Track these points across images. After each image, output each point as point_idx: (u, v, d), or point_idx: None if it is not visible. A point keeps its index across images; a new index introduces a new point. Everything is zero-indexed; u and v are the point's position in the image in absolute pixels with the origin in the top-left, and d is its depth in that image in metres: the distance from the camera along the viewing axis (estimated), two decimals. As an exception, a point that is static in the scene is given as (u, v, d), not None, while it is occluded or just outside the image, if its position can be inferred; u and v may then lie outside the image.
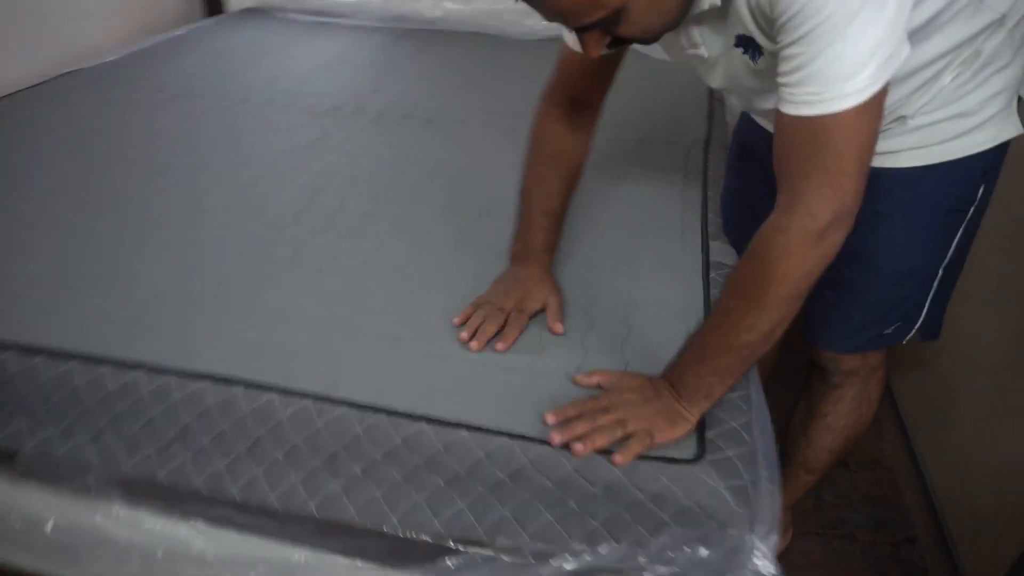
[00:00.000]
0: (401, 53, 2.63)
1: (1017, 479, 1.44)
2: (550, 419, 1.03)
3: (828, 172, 0.90)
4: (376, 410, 1.06)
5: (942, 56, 1.06)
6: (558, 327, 1.19)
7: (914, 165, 1.14)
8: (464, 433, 1.03)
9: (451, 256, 1.41)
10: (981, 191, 1.19)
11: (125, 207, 1.56)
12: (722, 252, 1.45)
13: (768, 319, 0.97)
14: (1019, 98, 1.17)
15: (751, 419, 1.09)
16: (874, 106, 0.88)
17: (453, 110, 2.09)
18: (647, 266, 1.40)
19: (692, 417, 1.03)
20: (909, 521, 1.77)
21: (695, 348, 1.04)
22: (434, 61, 2.55)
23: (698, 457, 1.01)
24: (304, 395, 1.08)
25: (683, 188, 1.68)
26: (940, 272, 1.24)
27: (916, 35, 0.99)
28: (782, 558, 1.01)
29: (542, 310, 1.23)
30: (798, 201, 0.93)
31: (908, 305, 1.28)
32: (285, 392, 1.08)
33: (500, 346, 1.15)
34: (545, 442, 1.00)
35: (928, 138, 1.12)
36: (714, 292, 1.33)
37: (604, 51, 0.97)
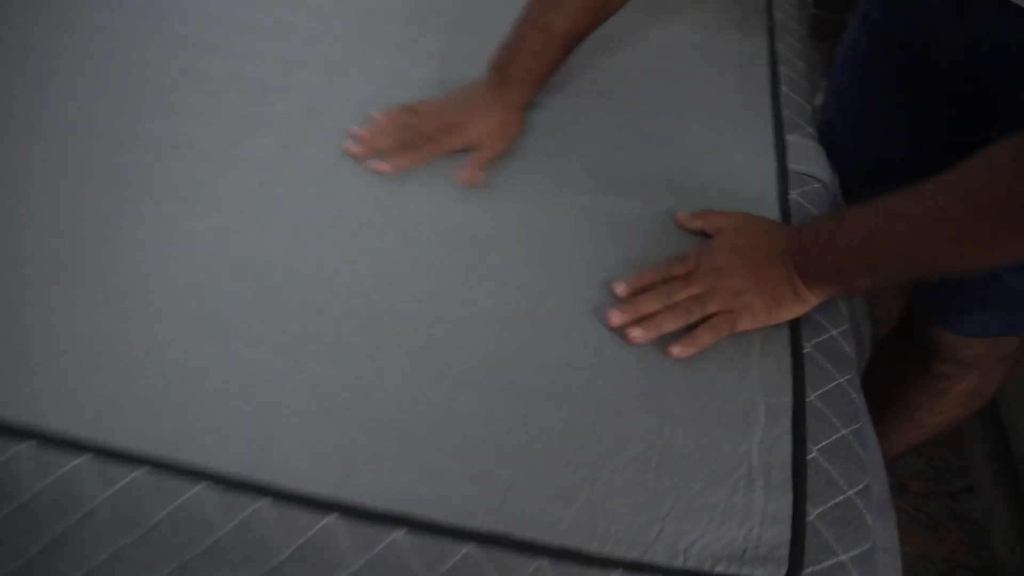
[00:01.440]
0: None
1: None
2: (620, 290, 0.76)
3: None
4: (320, 506, 0.62)
5: None
6: (465, 175, 0.87)
7: None
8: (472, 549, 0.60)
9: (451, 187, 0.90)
10: None
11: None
12: (805, 154, 0.96)
13: (999, 254, 0.63)
14: None
15: (869, 483, 0.68)
16: None
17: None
18: (691, 188, 0.91)
19: (811, 300, 0.75)
20: (969, 466, 1.43)
21: (858, 234, 0.69)
22: None
23: (795, 567, 0.61)
24: (196, 474, 0.63)
25: (741, 44, 1.13)
26: None
27: None
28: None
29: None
30: None
31: None
32: (160, 468, 0.63)
33: (383, 167, 0.86)
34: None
35: None
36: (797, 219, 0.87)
37: None
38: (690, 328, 0.73)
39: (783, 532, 0.63)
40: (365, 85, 0.99)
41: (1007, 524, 1.32)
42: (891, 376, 1.11)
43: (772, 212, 0.88)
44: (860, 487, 0.67)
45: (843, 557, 0.62)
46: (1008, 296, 0.87)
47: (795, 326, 0.77)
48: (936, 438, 1.16)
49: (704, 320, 0.73)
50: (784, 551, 0.62)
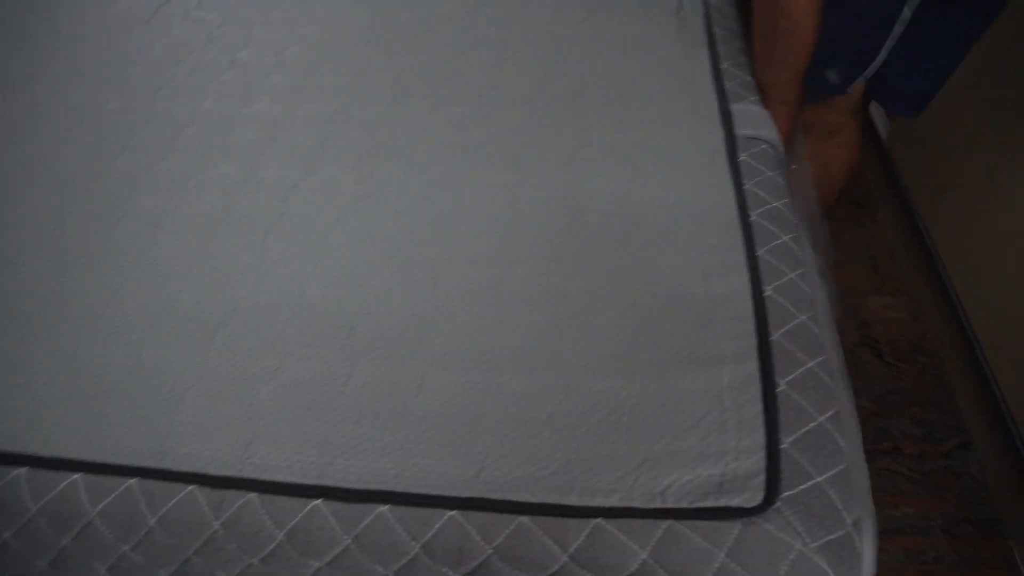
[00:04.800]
0: None
1: None
2: None
3: None
4: (305, 493, 0.64)
5: None
6: None
7: None
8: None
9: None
10: None
11: None
12: (752, 119, 0.99)
13: None
14: None
15: (841, 409, 0.70)
16: None
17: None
18: (643, 153, 0.94)
19: None
20: (959, 423, 1.43)
21: None
22: None
23: (772, 493, 0.62)
24: (184, 478, 0.66)
25: (681, 23, 1.18)
26: (904, 11, 0.97)
27: None
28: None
29: None
30: None
31: (858, 48, 1.04)
32: (149, 476, 0.66)
33: None
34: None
35: None
36: (749, 185, 0.89)
37: None
38: None
39: (758, 462, 0.64)
40: (322, 107, 1.03)
41: (1005, 475, 1.31)
42: None
43: (723, 174, 0.91)
44: (830, 413, 0.68)
45: (818, 479, 0.63)
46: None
47: (755, 271, 0.79)
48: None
49: None
50: (760, 479, 0.63)
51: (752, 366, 0.71)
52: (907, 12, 0.98)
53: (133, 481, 0.65)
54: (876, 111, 1.85)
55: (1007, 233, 1.33)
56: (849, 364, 1.52)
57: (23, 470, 0.67)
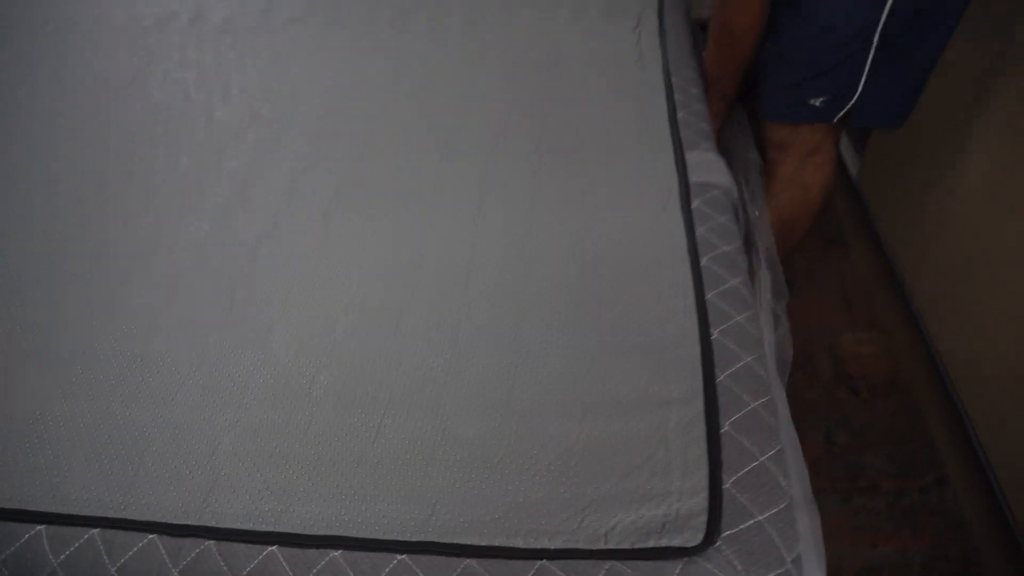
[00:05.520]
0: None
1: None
2: None
3: None
4: (261, 540, 0.67)
5: None
6: None
7: None
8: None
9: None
10: None
11: None
12: (705, 167, 1.03)
13: None
14: None
15: (783, 447, 0.72)
16: None
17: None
18: (599, 200, 0.98)
19: None
20: (934, 459, 1.45)
21: None
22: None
23: (712, 532, 0.64)
24: (144, 528, 0.68)
25: (640, 80, 1.22)
26: (876, 40, 1.05)
27: None
28: None
29: None
30: None
31: (839, 76, 1.11)
32: (110, 527, 0.68)
33: None
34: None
35: None
36: (701, 230, 0.93)
37: None
38: None
39: (700, 502, 0.66)
40: (292, 162, 1.07)
41: (981, 510, 1.32)
42: None
43: (676, 220, 0.94)
44: (772, 452, 0.70)
45: (759, 518, 0.65)
46: (779, 83, 1.15)
47: (703, 314, 0.82)
48: (782, 228, 1.34)
49: None
50: (702, 519, 0.65)
51: (697, 407, 0.74)
52: (876, 39, 1.06)
53: (95, 531, 0.67)
54: (845, 149, 1.90)
55: (975, 267, 1.36)
56: (824, 401, 1.56)
57: None
